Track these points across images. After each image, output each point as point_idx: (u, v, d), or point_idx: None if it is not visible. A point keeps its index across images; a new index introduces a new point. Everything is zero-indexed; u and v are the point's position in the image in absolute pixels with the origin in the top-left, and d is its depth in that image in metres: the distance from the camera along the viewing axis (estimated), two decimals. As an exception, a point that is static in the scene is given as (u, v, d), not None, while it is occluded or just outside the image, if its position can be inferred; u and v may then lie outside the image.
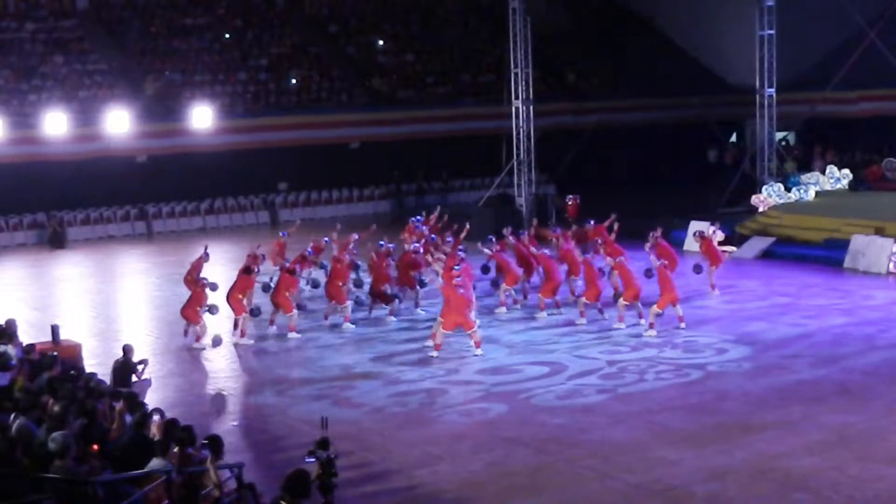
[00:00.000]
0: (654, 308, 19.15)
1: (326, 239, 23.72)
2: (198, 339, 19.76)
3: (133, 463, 9.65)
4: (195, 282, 20.10)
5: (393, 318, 21.16)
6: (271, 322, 20.75)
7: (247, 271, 20.39)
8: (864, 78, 37.01)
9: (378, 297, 21.38)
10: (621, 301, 19.82)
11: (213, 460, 9.39)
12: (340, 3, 45.21)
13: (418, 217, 26.24)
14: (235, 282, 20.30)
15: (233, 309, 20.14)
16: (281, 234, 25.17)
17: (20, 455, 9.51)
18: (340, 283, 21.18)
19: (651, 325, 19.08)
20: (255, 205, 39.04)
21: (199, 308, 19.69)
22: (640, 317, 19.70)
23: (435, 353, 18.21)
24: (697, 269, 22.71)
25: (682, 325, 19.36)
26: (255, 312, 20.53)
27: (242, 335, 20.02)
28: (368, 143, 40.42)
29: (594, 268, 20.51)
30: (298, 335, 20.21)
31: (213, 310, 20.10)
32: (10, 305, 22.76)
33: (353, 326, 20.67)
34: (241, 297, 20.12)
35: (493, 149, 35.06)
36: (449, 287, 18.16)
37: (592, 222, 24.29)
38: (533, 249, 22.17)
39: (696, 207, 31.59)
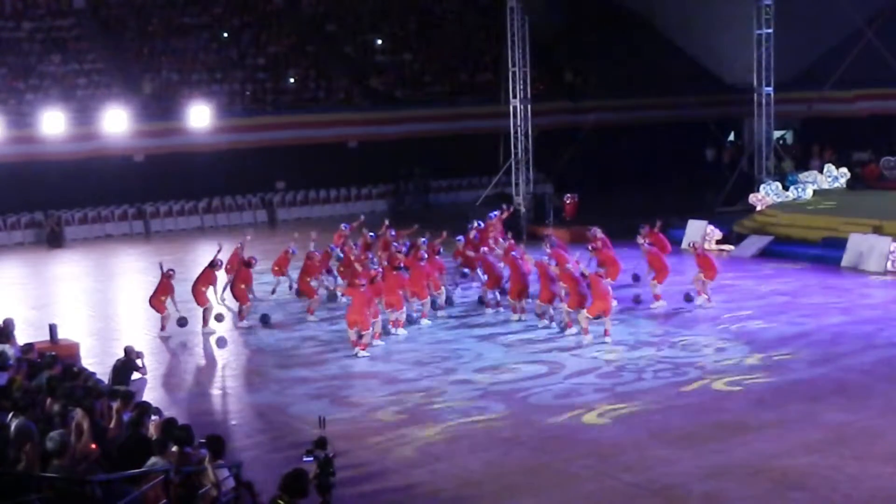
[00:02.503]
0: (585, 313, 18.67)
1: (373, 234, 23.95)
2: (162, 327, 20.65)
3: (131, 462, 9.64)
4: (166, 275, 20.89)
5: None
6: (241, 317, 21.50)
7: (211, 265, 21.24)
8: (862, 77, 37.05)
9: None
10: (565, 307, 19.41)
11: (212, 459, 9.39)
12: (338, 2, 45.16)
13: (492, 213, 26.21)
14: (200, 274, 21.30)
15: (196, 301, 20.98)
16: (342, 226, 25.29)
17: (17, 454, 9.50)
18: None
19: (585, 331, 18.64)
20: (252, 204, 39.02)
21: (163, 298, 20.55)
22: (569, 325, 19.25)
23: (360, 352, 18.51)
24: (688, 298, 21.49)
25: (608, 339, 18.53)
26: (181, 323, 21.10)
27: (205, 324, 20.87)
28: (366, 142, 40.42)
29: (548, 271, 20.05)
30: (247, 325, 21.12)
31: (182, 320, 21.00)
32: (8, 305, 22.73)
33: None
34: (203, 289, 20.97)
35: (491, 148, 35.05)
36: (349, 287, 19.29)
37: (647, 228, 23.32)
38: (498, 251, 21.95)
39: (694, 206, 31.62)
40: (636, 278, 22.85)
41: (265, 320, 21.54)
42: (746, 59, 33.37)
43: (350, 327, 18.68)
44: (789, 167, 35.40)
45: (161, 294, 20.62)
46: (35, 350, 14.88)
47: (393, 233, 24.08)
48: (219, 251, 21.99)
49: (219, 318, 21.14)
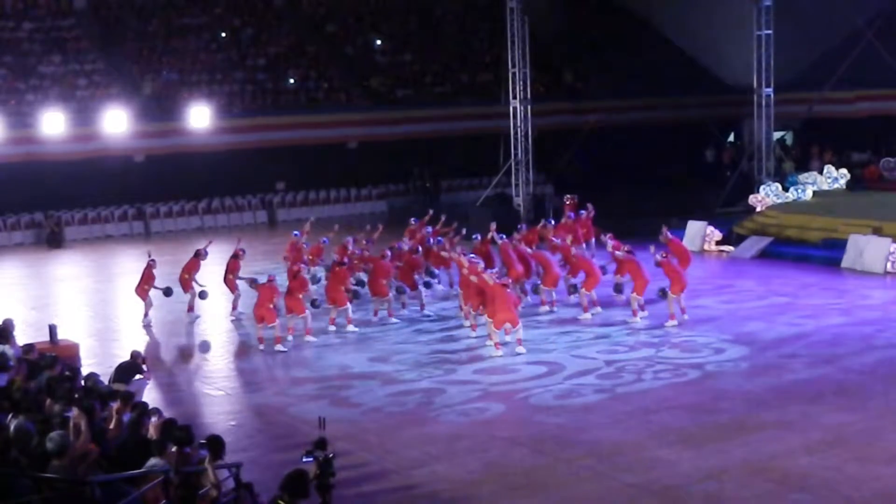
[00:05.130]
0: (491, 327, 18.24)
1: (429, 228, 24.42)
2: (145, 315, 21.49)
3: (130, 463, 9.64)
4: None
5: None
6: (233, 307, 22.17)
7: (196, 255, 22.20)
8: (862, 78, 37.06)
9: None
10: (488, 320, 18.66)
11: (212, 460, 9.39)
12: (338, 2, 45.19)
13: (572, 214, 26.10)
14: (186, 263, 22.37)
15: (182, 288, 22.08)
16: (412, 220, 25.51)
17: (17, 455, 9.50)
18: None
19: (497, 346, 18.12)
20: (252, 204, 39.05)
21: (146, 287, 21.47)
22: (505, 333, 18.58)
23: (281, 347, 19.11)
24: (662, 293, 20.52)
25: (520, 349, 18.00)
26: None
27: (190, 310, 22.11)
28: (366, 142, 40.43)
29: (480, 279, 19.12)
30: (237, 316, 21.86)
31: (202, 295, 22.20)
32: (8, 305, 22.74)
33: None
34: (187, 277, 22.01)
35: (491, 149, 35.07)
36: (258, 284, 19.70)
37: (671, 233, 22.68)
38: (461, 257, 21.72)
39: (694, 207, 31.62)
40: (617, 289, 21.31)
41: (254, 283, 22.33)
42: (746, 59, 33.37)
43: (257, 322, 19.30)
44: (790, 168, 35.41)
45: (144, 283, 21.50)
46: (35, 351, 14.86)
47: (430, 230, 24.29)
48: (209, 244, 22.87)
49: (202, 295, 22.09)
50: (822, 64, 37.78)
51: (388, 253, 21.77)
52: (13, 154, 34.26)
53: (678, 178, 39.39)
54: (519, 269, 21.48)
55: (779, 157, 35.15)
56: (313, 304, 20.67)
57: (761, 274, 24.87)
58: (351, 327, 20.38)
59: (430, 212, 26.35)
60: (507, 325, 18.17)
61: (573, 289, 21.61)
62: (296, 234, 24.27)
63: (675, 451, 13.17)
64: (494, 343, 18.19)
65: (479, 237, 23.03)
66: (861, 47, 33.68)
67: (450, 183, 41.96)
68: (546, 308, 21.13)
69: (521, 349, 18.10)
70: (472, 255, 20.78)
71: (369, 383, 16.84)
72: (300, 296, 19.85)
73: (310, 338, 19.69)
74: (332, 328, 20.37)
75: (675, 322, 19.76)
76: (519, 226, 25.32)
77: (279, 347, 19.11)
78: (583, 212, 26.25)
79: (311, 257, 23.68)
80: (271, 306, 19.22)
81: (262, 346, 19.22)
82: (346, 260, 21.26)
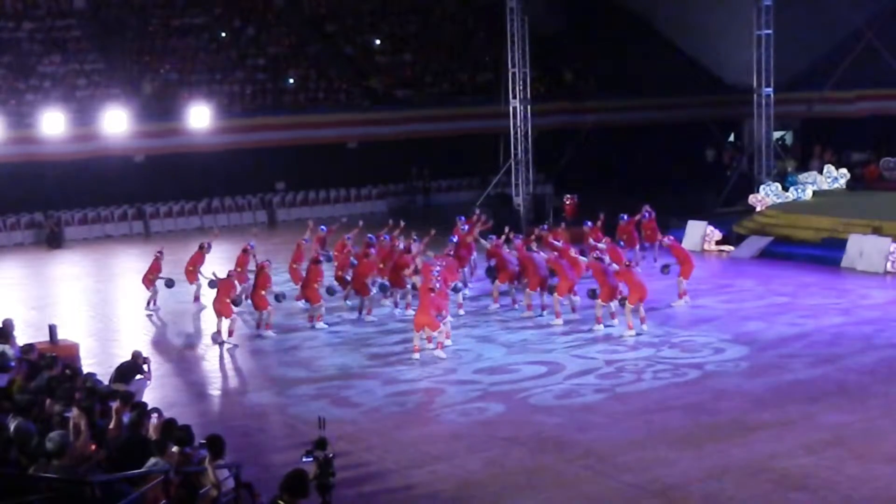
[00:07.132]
0: (417, 332, 18.21)
1: (465, 227, 24.44)
2: (148, 304, 22.94)
3: (131, 462, 9.64)
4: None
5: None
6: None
7: (200, 248, 23.32)
8: (862, 77, 37.05)
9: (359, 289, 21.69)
10: (425, 329, 18.53)
11: (212, 460, 9.40)
12: (338, 2, 45.17)
13: (624, 216, 26.07)
14: (191, 257, 23.35)
15: (187, 280, 23.40)
16: (458, 218, 25.38)
17: (17, 455, 9.51)
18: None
19: (416, 350, 18.08)
20: (252, 204, 39.04)
21: (151, 277, 22.93)
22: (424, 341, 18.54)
23: (232, 340, 19.76)
24: (592, 294, 19.80)
25: (438, 352, 18.07)
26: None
27: (196, 300, 23.25)
28: (366, 142, 40.42)
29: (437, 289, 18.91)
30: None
31: (168, 283, 23.42)
32: (8, 305, 22.73)
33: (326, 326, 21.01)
34: (191, 269, 23.11)
35: (491, 148, 35.06)
36: (220, 279, 20.42)
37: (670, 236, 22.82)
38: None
39: (694, 207, 31.63)
40: (593, 293, 19.98)
41: (278, 298, 21.74)
42: (746, 59, 33.37)
43: (216, 316, 19.86)
44: (791, 167, 35.40)
45: (150, 274, 22.99)
46: (35, 350, 14.86)
47: (466, 228, 24.41)
48: (215, 237, 24.42)
49: (212, 284, 22.29)
50: (822, 64, 37.81)
51: (373, 251, 22.05)
52: (13, 154, 34.22)
53: (678, 178, 39.35)
54: (511, 270, 21.52)
55: (779, 156, 35.12)
56: (277, 298, 21.14)
57: (761, 274, 24.87)
58: (320, 324, 20.71)
59: (477, 212, 26.36)
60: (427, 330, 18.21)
61: (551, 289, 21.49)
62: (348, 238, 23.80)
63: (675, 451, 13.17)
64: (415, 347, 18.16)
65: (494, 238, 22.98)
66: (861, 47, 33.68)
67: (450, 183, 41.98)
68: (529, 313, 20.92)
69: (440, 353, 18.05)
70: (432, 258, 21.08)
71: (369, 383, 16.85)
72: (262, 292, 20.22)
73: (269, 333, 20.17)
74: (316, 325, 20.74)
75: (633, 332, 19.06)
76: (541, 226, 25.25)
77: (230, 340, 19.65)
78: (646, 214, 26.20)
79: (335, 254, 23.90)
80: (229, 301, 19.71)
81: (229, 338, 19.71)
82: (321, 258, 21.77)
